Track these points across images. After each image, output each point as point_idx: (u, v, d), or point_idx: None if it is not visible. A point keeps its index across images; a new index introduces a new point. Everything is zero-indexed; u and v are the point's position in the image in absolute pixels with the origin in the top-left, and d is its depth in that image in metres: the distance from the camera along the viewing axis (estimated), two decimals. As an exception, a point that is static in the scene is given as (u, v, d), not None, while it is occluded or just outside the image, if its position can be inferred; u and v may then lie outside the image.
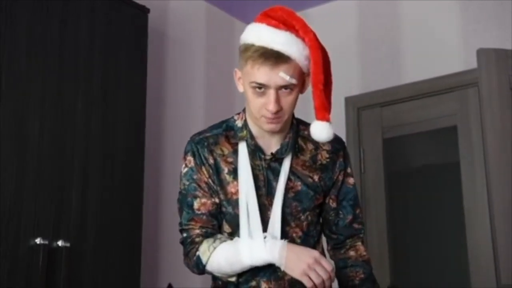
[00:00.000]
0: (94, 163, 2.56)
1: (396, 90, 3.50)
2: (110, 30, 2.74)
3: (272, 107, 1.59)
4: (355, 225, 1.80)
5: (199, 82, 3.72)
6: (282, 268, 1.58)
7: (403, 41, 3.54)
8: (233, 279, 1.66)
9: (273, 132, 1.70)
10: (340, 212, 1.79)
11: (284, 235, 1.67)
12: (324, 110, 1.62)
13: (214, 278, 1.74)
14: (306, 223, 1.72)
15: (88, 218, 2.50)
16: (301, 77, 1.65)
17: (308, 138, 1.73)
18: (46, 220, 2.33)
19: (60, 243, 2.34)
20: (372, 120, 3.58)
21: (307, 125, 1.73)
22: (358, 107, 3.63)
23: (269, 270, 1.64)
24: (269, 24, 1.63)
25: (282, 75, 1.58)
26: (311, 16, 3.85)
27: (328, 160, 1.77)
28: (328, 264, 1.55)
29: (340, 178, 1.79)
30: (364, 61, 3.64)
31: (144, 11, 2.95)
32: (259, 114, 1.64)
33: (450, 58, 3.35)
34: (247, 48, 1.62)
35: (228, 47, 3.88)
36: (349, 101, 3.64)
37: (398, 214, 3.46)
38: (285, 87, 1.61)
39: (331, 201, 1.78)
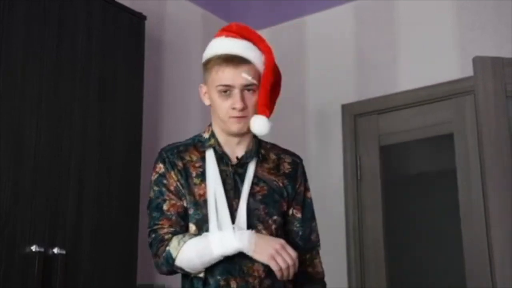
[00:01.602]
0: (90, 170, 2.55)
1: (393, 98, 3.51)
2: (107, 36, 2.74)
3: (239, 104, 1.76)
4: (313, 238, 1.90)
5: (196, 88, 3.67)
6: (250, 254, 1.66)
7: (399, 48, 3.55)
8: (201, 274, 1.71)
9: (238, 136, 1.82)
10: (303, 224, 1.89)
11: None
12: (266, 107, 1.79)
13: (183, 282, 1.79)
14: (275, 226, 1.80)
15: (84, 225, 2.49)
16: (260, 81, 1.81)
17: (271, 150, 1.90)
18: (41, 228, 2.31)
19: (55, 250, 2.33)
20: (368, 128, 3.58)
21: (266, 141, 1.91)
22: (354, 114, 3.63)
23: (236, 267, 1.70)
24: (227, 36, 1.82)
25: (245, 75, 1.77)
26: (307, 24, 3.87)
27: (290, 169, 1.89)
28: (293, 252, 1.67)
29: (302, 189, 1.90)
30: (361, 68, 3.65)
31: (141, 18, 2.95)
32: (227, 116, 1.78)
33: (447, 65, 3.35)
34: (210, 59, 1.80)
35: (225, 54, 3.87)
36: (345, 108, 3.65)
37: (395, 222, 3.46)
38: (248, 88, 1.77)
39: (295, 211, 1.88)
